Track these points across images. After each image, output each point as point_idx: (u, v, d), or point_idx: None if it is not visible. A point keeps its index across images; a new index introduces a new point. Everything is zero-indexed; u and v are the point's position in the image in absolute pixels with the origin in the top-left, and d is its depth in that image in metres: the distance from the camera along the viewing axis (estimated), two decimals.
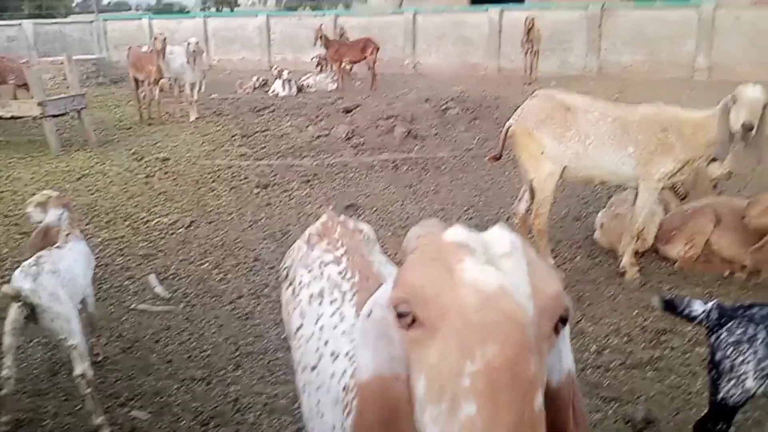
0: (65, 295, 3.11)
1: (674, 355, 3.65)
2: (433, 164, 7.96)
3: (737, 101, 3.96)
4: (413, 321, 0.88)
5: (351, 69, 15.88)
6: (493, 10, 17.73)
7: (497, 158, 4.91)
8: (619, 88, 13.24)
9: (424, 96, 12.08)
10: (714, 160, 4.72)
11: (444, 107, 10.78)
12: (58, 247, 3.36)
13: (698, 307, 2.57)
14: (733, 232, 4.71)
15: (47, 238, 3.50)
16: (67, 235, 3.46)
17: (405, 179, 7.43)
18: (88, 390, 3.06)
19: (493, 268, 0.87)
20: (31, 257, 3.21)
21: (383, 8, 23.53)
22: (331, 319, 1.76)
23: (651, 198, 4.48)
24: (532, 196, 4.69)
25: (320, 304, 1.86)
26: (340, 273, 1.91)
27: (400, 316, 0.90)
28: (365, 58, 14.96)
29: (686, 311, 2.60)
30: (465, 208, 6.32)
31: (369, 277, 1.85)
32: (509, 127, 4.61)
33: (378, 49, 15.01)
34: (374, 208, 6.45)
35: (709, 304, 2.56)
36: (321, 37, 15.02)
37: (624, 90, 13.08)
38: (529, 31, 14.83)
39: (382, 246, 2.35)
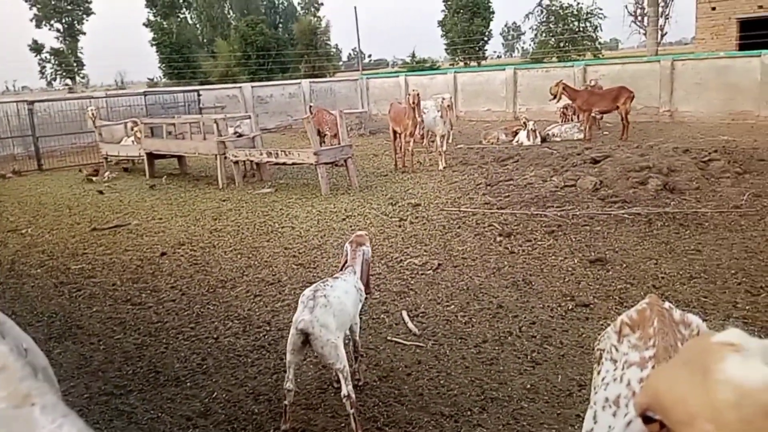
0: (335, 324, 3.54)
1: None
2: (693, 221, 7.33)
3: None
4: (662, 428, 0.81)
5: (601, 119, 15.41)
6: None
7: None
8: None
9: (683, 146, 11.22)
10: None
11: (707, 159, 9.89)
12: (335, 278, 3.87)
13: None
14: None
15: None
16: (347, 267, 3.97)
17: (660, 235, 6.96)
18: (352, 410, 3.42)
19: (764, 365, 0.76)
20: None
21: (636, 55, 22.48)
22: None
23: None
24: None
25: (614, 415, 1.58)
26: (641, 381, 1.59)
27: (646, 422, 0.83)
28: (617, 107, 14.39)
29: None
30: (733, 272, 5.68)
31: None
32: None
33: (633, 98, 14.35)
34: (624, 265, 6.13)
35: None
36: (558, 93, 14.74)
37: None
38: None
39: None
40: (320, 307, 3.51)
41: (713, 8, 21.58)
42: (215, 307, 5.71)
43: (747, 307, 4.90)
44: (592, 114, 14.68)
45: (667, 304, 1.85)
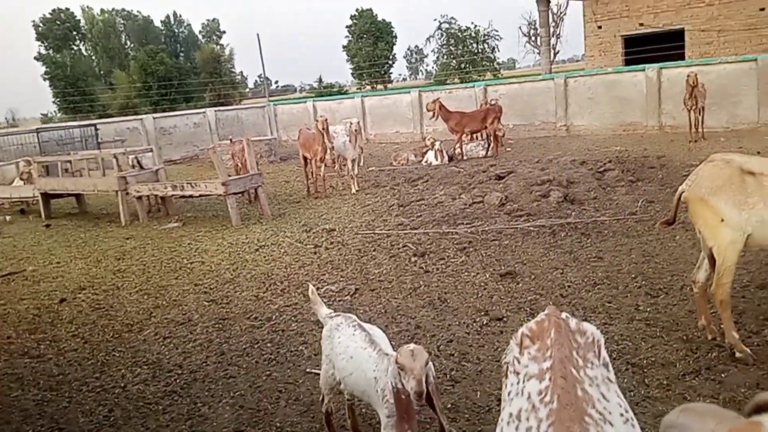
0: (327, 351, 3.55)
1: None
2: (594, 229, 7.71)
3: None
4: None
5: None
6: (651, 68, 17.14)
7: (670, 223, 4.69)
8: None
9: (580, 159, 11.83)
10: None
11: (602, 169, 10.47)
12: (368, 339, 3.41)
13: None
14: None
15: None
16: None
17: (564, 245, 7.26)
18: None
19: None
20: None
21: (532, 74, 23.64)
22: None
23: None
24: (712, 264, 4.37)
25: (516, 429, 1.57)
26: (539, 393, 1.57)
27: None
28: (486, 127, 15.15)
29: None
30: (633, 276, 6.00)
31: (570, 405, 1.49)
32: (681, 193, 4.39)
33: (500, 117, 15.20)
34: (533, 276, 6.34)
35: None
36: (435, 110, 15.32)
37: None
38: (693, 87, 14.04)
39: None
40: (332, 320, 3.66)
41: (599, 27, 23.08)
42: (121, 354, 5.39)
43: (648, 309, 5.17)
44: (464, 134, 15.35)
45: (564, 314, 1.88)
